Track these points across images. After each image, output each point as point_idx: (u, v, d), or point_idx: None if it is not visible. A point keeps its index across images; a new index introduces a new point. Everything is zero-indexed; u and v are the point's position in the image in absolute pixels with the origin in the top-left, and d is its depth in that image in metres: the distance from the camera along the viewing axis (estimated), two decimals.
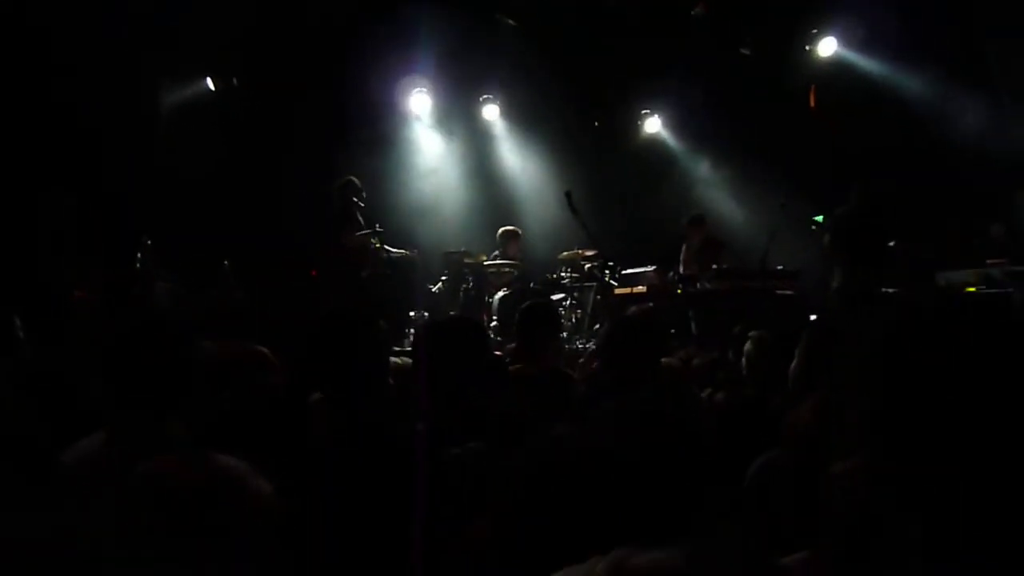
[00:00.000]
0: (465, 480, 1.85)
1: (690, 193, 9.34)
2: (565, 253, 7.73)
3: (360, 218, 6.90)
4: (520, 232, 7.96)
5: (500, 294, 7.33)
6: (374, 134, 8.40)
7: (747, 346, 2.93)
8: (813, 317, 4.80)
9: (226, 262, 6.55)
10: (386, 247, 6.86)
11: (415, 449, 1.91)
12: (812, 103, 8.44)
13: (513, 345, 3.78)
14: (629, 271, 7.76)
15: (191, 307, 5.87)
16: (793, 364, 2.25)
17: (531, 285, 7.59)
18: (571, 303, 7.52)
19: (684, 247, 7.71)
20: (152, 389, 1.84)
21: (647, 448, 1.18)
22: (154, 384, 1.85)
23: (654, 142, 9.66)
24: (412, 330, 7.53)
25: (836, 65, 8.36)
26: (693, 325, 6.63)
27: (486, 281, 7.66)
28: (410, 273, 7.32)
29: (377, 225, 6.83)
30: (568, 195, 6.34)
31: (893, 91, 7.89)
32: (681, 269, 7.52)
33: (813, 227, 6.81)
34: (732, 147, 8.91)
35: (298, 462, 1.85)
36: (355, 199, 6.87)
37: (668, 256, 7.78)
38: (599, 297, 7.46)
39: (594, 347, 5.26)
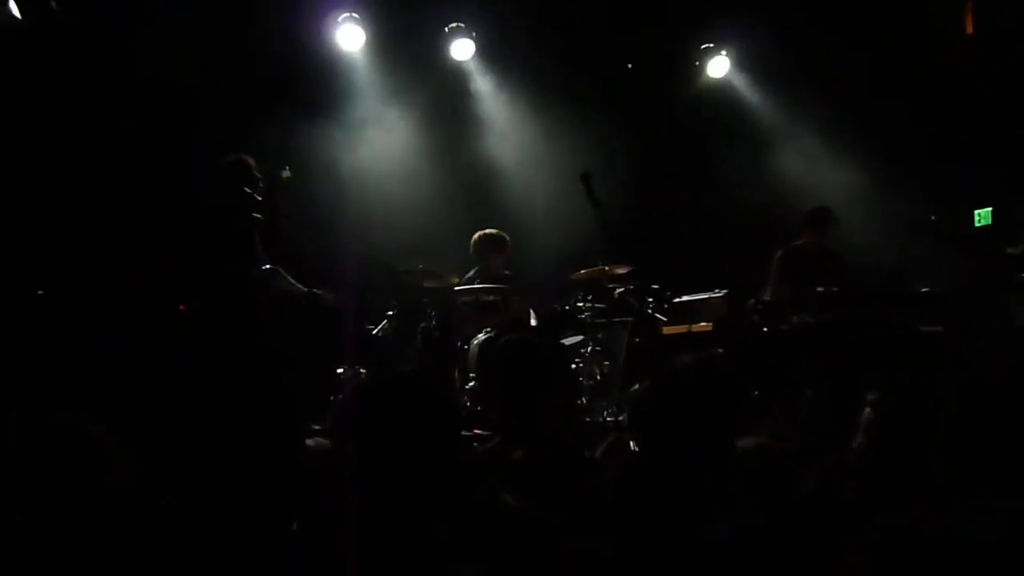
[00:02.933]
0: None
1: (779, 172, 9.43)
2: (583, 271, 7.73)
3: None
4: (508, 239, 7.99)
5: (480, 337, 7.33)
6: (280, 86, 8.42)
7: (866, 413, 2.95)
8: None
9: (41, 292, 6.53)
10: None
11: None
12: (969, 28, 8.52)
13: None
14: (684, 298, 7.83)
15: None
16: None
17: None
18: (593, 350, 7.48)
19: (778, 257, 7.67)
20: None
21: None
22: None
23: (720, 93, 9.79)
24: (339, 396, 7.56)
25: None
26: (785, 382, 6.62)
27: (458, 317, 7.69)
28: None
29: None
30: (586, 179, 6.37)
31: None
32: (768, 294, 7.53)
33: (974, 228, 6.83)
34: (840, 101, 8.98)
35: None
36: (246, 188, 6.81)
37: (747, 274, 7.84)
38: (637, 340, 7.50)
39: (627, 420, 5.27)
